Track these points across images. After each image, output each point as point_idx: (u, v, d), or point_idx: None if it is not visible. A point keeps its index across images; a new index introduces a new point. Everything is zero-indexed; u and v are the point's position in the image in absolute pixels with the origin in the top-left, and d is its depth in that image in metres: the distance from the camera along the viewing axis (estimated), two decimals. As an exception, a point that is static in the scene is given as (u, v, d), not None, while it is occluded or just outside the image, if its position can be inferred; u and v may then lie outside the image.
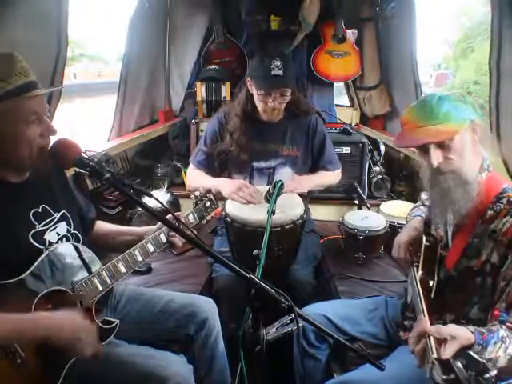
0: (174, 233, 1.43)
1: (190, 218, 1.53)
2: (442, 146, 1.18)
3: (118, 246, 1.48)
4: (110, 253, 1.53)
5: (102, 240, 1.54)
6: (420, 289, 1.24)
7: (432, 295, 1.27)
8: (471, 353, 0.91)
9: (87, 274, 1.24)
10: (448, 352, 0.98)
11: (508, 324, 1.07)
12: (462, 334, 1.02)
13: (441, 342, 1.00)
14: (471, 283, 1.20)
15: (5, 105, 1.07)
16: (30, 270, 1.12)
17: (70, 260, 1.23)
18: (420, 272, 1.32)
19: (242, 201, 1.82)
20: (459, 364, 0.89)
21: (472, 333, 1.02)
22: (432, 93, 1.24)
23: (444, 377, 0.87)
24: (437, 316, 1.28)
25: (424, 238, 1.40)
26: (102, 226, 1.57)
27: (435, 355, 0.95)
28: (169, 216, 1.35)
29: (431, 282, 1.28)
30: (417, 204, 1.67)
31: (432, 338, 1.00)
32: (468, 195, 1.19)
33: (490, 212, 1.18)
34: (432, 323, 1.07)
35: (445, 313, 1.27)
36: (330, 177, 2.20)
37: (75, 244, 1.27)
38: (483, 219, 1.19)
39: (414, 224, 1.50)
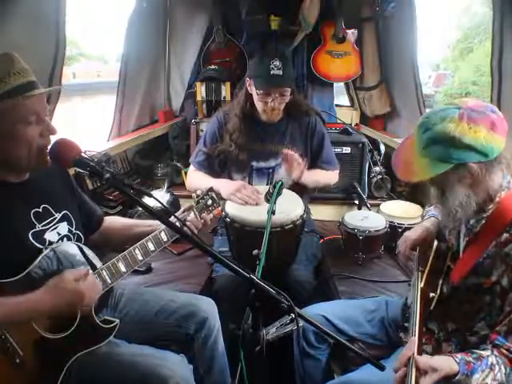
0: (190, 217, 1.48)
1: (192, 216, 1.52)
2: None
3: (135, 238, 1.44)
4: (110, 252, 1.53)
5: (118, 233, 1.55)
6: (419, 303, 1.20)
7: (432, 307, 1.24)
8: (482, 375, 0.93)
9: (92, 272, 1.24)
10: (426, 382, 0.98)
11: (502, 350, 1.05)
12: (445, 366, 1.00)
13: (422, 372, 1.00)
14: (480, 300, 1.16)
15: (4, 105, 1.07)
16: (30, 267, 1.12)
17: (75, 257, 1.23)
18: (423, 281, 1.28)
19: (240, 202, 1.82)
20: None
21: (457, 363, 1.01)
22: (428, 116, 1.13)
23: None
24: (438, 323, 1.27)
25: (435, 243, 1.34)
26: (115, 220, 1.60)
27: None
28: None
29: (432, 294, 1.25)
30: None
31: (414, 366, 0.99)
32: (475, 219, 1.16)
33: (505, 235, 1.10)
34: (419, 347, 1.06)
35: (447, 322, 1.25)
36: (325, 175, 2.18)
37: (78, 244, 1.27)
38: (497, 241, 1.12)
39: (427, 224, 1.45)
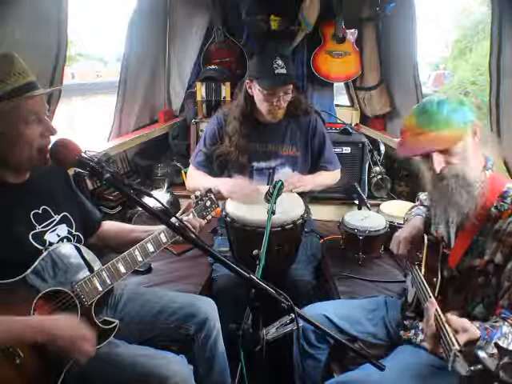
0: (188, 217, 1.48)
1: (191, 217, 1.52)
2: (444, 151, 1.16)
3: (130, 243, 1.42)
4: (109, 253, 1.53)
5: (115, 238, 1.54)
6: (425, 282, 1.24)
7: (436, 293, 1.26)
8: (499, 342, 0.93)
9: (89, 273, 1.24)
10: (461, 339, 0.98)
11: (510, 320, 1.07)
12: (472, 328, 1.02)
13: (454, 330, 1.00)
14: (474, 282, 1.20)
15: (3, 105, 1.07)
16: (30, 270, 1.12)
17: (71, 259, 1.23)
18: (423, 271, 1.31)
19: (240, 200, 1.82)
20: (484, 354, 0.88)
21: (478, 328, 1.03)
22: (431, 97, 1.21)
23: (471, 368, 0.86)
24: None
25: (425, 238, 1.39)
26: (113, 225, 1.60)
27: (457, 347, 0.92)
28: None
29: (434, 280, 1.28)
30: (415, 204, 1.66)
31: (450, 329, 0.98)
32: (472, 197, 1.17)
33: (494, 211, 1.17)
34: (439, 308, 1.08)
35: (448, 311, 1.27)
36: (330, 176, 2.20)
37: (76, 244, 1.27)
38: (488, 218, 1.18)
39: (415, 222, 1.50)
